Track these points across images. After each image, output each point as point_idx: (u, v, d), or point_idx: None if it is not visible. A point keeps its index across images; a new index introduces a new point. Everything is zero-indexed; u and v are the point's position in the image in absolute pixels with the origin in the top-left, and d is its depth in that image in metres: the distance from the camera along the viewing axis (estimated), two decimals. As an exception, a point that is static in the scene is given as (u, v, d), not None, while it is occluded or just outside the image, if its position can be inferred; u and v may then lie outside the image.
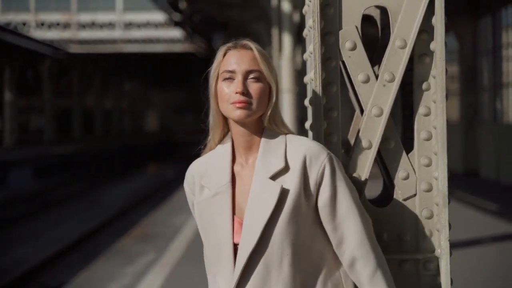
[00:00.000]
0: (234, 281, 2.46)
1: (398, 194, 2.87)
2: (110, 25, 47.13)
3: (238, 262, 2.46)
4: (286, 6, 14.29)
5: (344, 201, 2.50)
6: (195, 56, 48.05)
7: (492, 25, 19.99)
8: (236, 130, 2.55)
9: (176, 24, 34.33)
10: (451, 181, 2.85)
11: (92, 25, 47.01)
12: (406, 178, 2.86)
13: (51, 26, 46.87)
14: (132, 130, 70.28)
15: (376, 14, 3.11)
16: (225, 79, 2.50)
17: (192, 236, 12.24)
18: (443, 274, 2.80)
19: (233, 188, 2.54)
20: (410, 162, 2.88)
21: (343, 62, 2.86)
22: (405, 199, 2.87)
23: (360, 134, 2.84)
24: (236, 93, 2.46)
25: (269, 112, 2.52)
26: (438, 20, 2.78)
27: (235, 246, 2.50)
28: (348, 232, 2.50)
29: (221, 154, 2.60)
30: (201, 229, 2.59)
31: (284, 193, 2.45)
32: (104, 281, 11.53)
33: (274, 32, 15.50)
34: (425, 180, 2.86)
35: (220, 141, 2.63)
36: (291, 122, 13.36)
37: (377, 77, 2.84)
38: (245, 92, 2.46)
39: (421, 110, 2.87)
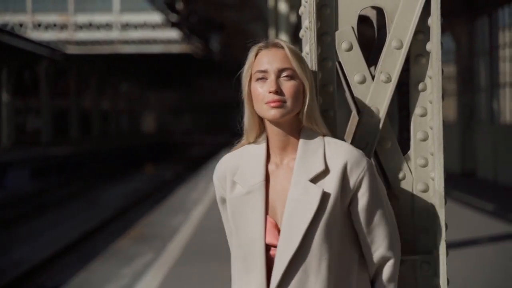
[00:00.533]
0: (274, 286, 2.43)
1: (395, 195, 2.87)
2: (107, 26, 47.11)
3: (278, 267, 2.43)
4: (283, 7, 14.30)
5: (380, 208, 2.53)
6: (192, 57, 48.08)
7: (488, 26, 19.99)
8: (272, 130, 2.53)
9: (173, 25, 34.35)
10: (448, 181, 2.86)
11: (89, 26, 46.99)
12: (403, 178, 2.86)
13: (48, 27, 46.84)
14: (129, 131, 70.23)
15: (372, 14, 3.12)
16: (258, 79, 2.49)
17: (190, 236, 12.24)
18: (440, 275, 2.80)
19: (266, 187, 2.52)
20: (407, 163, 2.88)
21: (340, 63, 2.86)
22: (401, 200, 2.87)
23: (356, 134, 2.84)
24: (270, 92, 2.44)
25: (305, 111, 2.49)
26: (434, 21, 2.78)
27: (267, 246, 2.48)
28: (381, 236, 2.53)
29: (255, 152, 2.57)
30: (231, 226, 2.56)
31: (324, 196, 2.43)
32: (102, 282, 11.53)
33: (271, 32, 15.50)
34: (421, 181, 2.86)
35: (254, 140, 2.60)
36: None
37: (373, 77, 2.84)
38: (279, 91, 2.44)
39: (418, 110, 2.87)
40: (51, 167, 32.96)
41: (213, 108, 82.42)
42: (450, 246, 2.85)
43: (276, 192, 2.51)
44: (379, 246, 2.53)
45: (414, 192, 2.86)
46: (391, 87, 2.82)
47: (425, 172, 2.86)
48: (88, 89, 56.41)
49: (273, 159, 2.55)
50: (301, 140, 2.51)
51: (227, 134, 72.25)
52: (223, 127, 78.98)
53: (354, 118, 2.99)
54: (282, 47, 2.51)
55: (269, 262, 2.47)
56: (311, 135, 2.52)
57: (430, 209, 2.85)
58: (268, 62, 2.48)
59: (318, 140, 2.52)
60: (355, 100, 2.88)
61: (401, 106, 3.10)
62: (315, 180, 2.46)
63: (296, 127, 2.52)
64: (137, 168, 37.22)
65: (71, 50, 45.93)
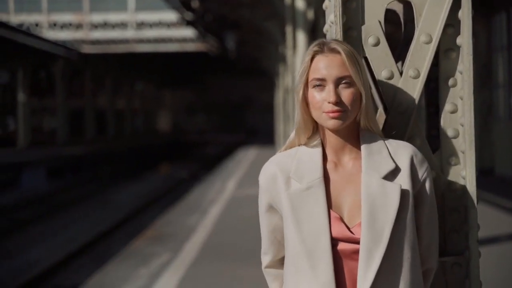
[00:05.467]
0: (368, 285, 2.35)
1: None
2: (122, 25, 47.12)
3: (368, 264, 2.35)
4: (300, 4, 14.20)
5: (435, 210, 2.53)
6: (207, 55, 48.05)
7: (506, 22, 19.84)
8: (329, 134, 2.48)
9: (188, 23, 34.32)
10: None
11: (104, 25, 47.02)
12: (433, 177, 2.77)
13: (63, 26, 46.91)
14: (144, 130, 70.33)
15: (399, 8, 3.02)
16: (316, 86, 2.42)
17: (207, 236, 12.17)
18: (472, 277, 2.70)
19: (326, 184, 2.45)
20: (436, 161, 2.78)
21: (366, 58, 2.76)
22: (431, 200, 2.78)
23: (384, 132, 2.74)
24: (329, 102, 2.38)
25: (363, 114, 2.45)
26: (465, 14, 2.69)
27: (333, 240, 2.40)
28: (435, 243, 2.55)
29: (310, 151, 2.50)
30: (291, 223, 2.44)
31: (402, 193, 2.40)
32: (118, 283, 11.47)
33: (288, 30, 15.42)
34: (452, 180, 2.77)
35: (306, 142, 2.53)
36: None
37: (401, 73, 2.75)
38: (338, 101, 2.39)
39: (448, 107, 2.78)
40: (66, 167, 33.01)
41: (227, 107, 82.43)
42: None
43: (339, 189, 2.45)
44: (430, 255, 2.54)
45: (445, 192, 2.77)
46: (420, 83, 2.73)
47: (455, 170, 2.77)
48: (103, 89, 56.49)
49: (330, 158, 2.49)
50: (362, 140, 2.48)
51: (242, 133, 72.46)
52: (237, 126, 79.07)
53: (381, 115, 2.90)
54: (339, 53, 2.43)
55: (335, 257, 2.40)
56: (370, 136, 2.49)
57: (461, 209, 2.76)
58: (326, 69, 2.41)
59: (378, 140, 2.49)
60: (382, 97, 2.78)
61: (429, 102, 3.00)
62: (387, 177, 2.42)
63: (354, 129, 2.48)
64: (152, 167, 37.23)
65: (87, 49, 45.99)
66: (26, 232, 17.36)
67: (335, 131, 2.45)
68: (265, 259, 2.66)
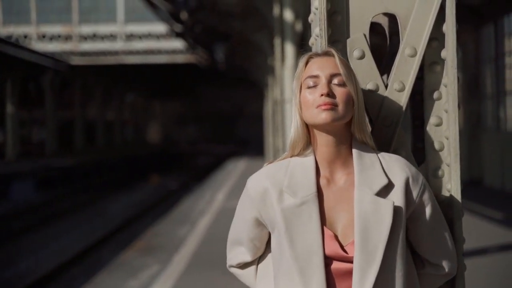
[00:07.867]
0: None
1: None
2: (112, 37, 47.09)
3: (361, 284, 2.33)
4: (288, 16, 14.23)
5: (443, 220, 2.55)
6: (197, 67, 48.07)
7: (494, 33, 19.92)
8: (321, 140, 2.44)
9: (178, 35, 34.35)
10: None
11: (94, 37, 46.99)
12: (418, 190, 2.78)
13: (52, 38, 46.84)
14: (134, 141, 70.27)
15: (384, 21, 3.03)
16: (309, 87, 2.43)
17: (196, 247, 12.16)
18: (458, 290, 2.71)
19: (319, 200, 2.42)
20: (422, 174, 2.79)
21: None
22: (417, 212, 2.79)
23: (369, 145, 2.75)
24: (321, 95, 2.38)
25: (355, 120, 2.43)
26: (449, 27, 2.71)
27: (326, 258, 2.37)
28: (446, 251, 2.55)
29: (303, 164, 2.46)
30: (284, 239, 2.40)
31: (395, 210, 2.38)
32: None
33: (277, 41, 15.45)
34: (437, 192, 2.78)
35: (299, 153, 2.49)
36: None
37: (386, 86, 2.76)
38: (330, 94, 2.38)
39: (433, 120, 2.79)
40: (56, 178, 32.92)
41: (218, 118, 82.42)
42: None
43: (332, 205, 2.43)
44: (449, 261, 2.55)
45: (430, 204, 2.78)
46: (405, 96, 2.74)
47: (441, 183, 2.78)
48: (93, 100, 56.45)
49: (323, 173, 2.46)
50: (355, 153, 2.45)
51: (232, 144, 72.42)
52: (228, 136, 79.06)
53: (366, 128, 2.91)
54: (333, 55, 2.47)
55: (328, 275, 2.37)
56: (363, 149, 2.47)
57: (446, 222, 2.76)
58: (319, 68, 2.44)
59: (371, 153, 2.47)
60: (368, 109, 2.79)
61: (415, 115, 3.01)
62: (380, 194, 2.40)
63: (346, 139, 2.46)
64: (143, 178, 37.19)
65: (76, 61, 45.93)
66: (15, 243, 17.31)
67: (327, 138, 2.42)
68: (241, 258, 2.66)
